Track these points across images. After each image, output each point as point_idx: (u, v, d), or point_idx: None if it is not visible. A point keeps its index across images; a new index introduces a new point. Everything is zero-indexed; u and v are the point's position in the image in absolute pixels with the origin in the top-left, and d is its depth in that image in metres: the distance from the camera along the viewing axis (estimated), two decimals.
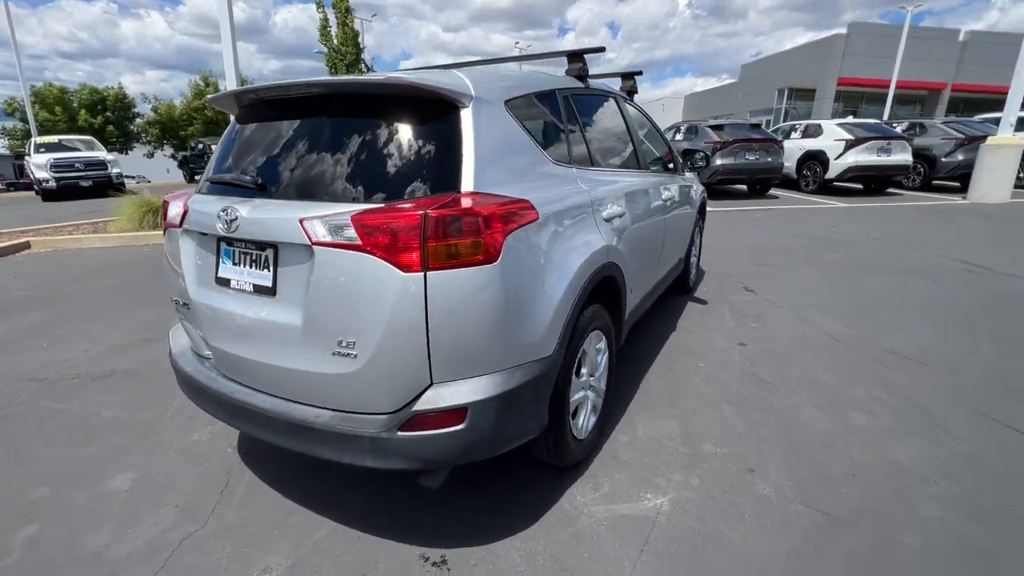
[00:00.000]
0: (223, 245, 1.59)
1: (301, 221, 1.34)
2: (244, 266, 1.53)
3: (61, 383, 2.72)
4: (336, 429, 1.38)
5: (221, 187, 1.65)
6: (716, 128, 9.98)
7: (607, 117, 2.46)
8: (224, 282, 1.58)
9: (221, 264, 1.59)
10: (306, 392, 1.46)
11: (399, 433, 1.33)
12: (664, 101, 50.26)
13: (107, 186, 13.49)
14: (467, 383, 1.36)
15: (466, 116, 1.42)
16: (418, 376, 1.34)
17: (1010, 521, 1.65)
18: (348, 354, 1.34)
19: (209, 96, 1.81)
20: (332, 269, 1.32)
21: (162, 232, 1.85)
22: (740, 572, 1.48)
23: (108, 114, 27.35)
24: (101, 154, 13.87)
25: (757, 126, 10.92)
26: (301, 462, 2.02)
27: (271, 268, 1.46)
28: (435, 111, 1.42)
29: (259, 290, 1.49)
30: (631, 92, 2.92)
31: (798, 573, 1.47)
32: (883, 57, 27.05)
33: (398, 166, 1.39)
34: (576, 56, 2.21)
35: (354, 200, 1.37)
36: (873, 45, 29.21)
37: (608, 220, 1.96)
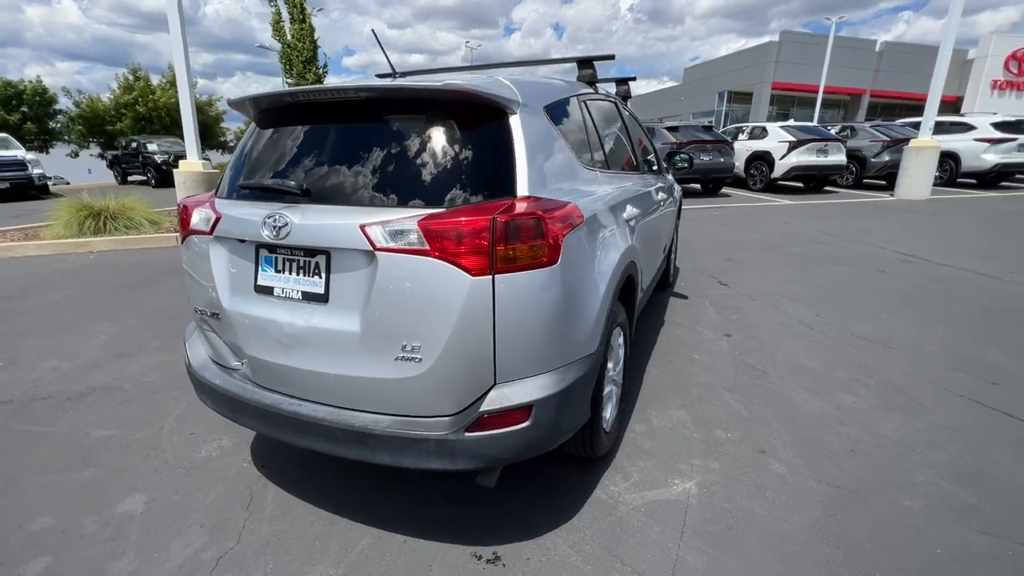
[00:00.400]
0: (263, 252, 1.53)
1: (362, 227, 1.33)
2: (290, 273, 1.49)
3: (35, 404, 2.50)
4: (399, 434, 1.37)
5: (254, 192, 1.59)
6: (672, 129, 10.41)
7: (614, 122, 2.56)
8: (265, 290, 1.53)
9: (261, 272, 1.54)
10: (364, 398, 1.44)
11: (466, 434, 1.35)
12: None
13: (28, 188, 12.37)
14: (530, 381, 1.40)
15: (515, 122, 1.45)
16: (483, 377, 1.36)
17: (988, 479, 1.87)
18: (412, 358, 1.34)
19: (231, 99, 1.73)
20: (396, 274, 1.32)
21: (179, 239, 1.75)
22: (776, 545, 1.60)
23: (25, 110, 24.91)
24: (19, 153, 12.64)
25: (709, 128, 11.49)
26: (325, 471, 1.98)
27: (323, 275, 1.44)
28: (486, 117, 1.44)
29: (309, 297, 1.46)
30: (626, 97, 3.04)
31: (827, 542, 1.61)
32: (811, 64, 29.10)
33: (453, 171, 1.40)
34: (587, 63, 2.29)
35: (411, 205, 1.36)
36: (802, 52, 31.32)
37: (627, 221, 2.05)
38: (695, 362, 2.91)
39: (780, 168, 11.04)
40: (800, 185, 12.28)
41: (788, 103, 33.87)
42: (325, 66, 9.98)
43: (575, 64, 2.41)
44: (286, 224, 1.42)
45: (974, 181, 12.42)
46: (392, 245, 1.31)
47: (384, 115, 1.49)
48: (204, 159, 7.70)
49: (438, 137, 1.42)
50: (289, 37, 10.31)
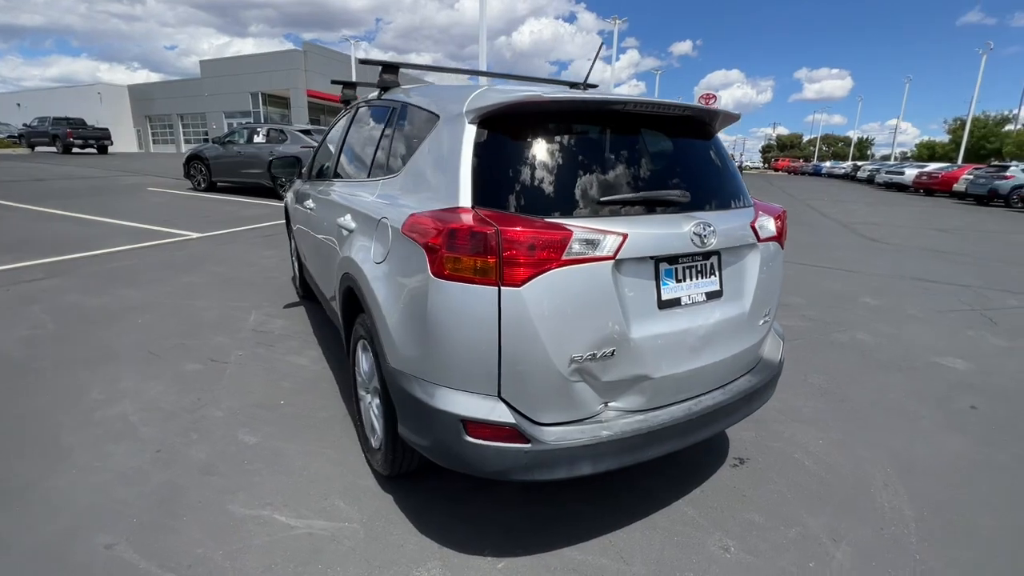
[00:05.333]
0: (663, 265, 1.54)
1: (752, 224, 1.71)
2: (690, 280, 1.59)
3: None
4: (767, 379, 1.82)
5: (613, 205, 1.51)
6: (307, 132, 10.18)
7: None
8: (670, 303, 1.55)
9: (663, 286, 1.54)
10: (740, 366, 1.77)
11: (765, 356, 1.94)
12: (99, 89, 40.36)
13: None
14: None
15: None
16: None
17: None
18: (766, 319, 1.82)
19: (515, 98, 1.43)
20: (766, 257, 1.78)
21: (516, 275, 1.32)
22: None
23: None
24: None
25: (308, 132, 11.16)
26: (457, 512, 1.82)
27: (717, 272, 1.65)
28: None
29: (711, 296, 1.63)
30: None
31: None
32: (338, 76, 32.48)
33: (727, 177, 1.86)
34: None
35: (735, 206, 1.79)
36: (326, 65, 34.44)
37: None
38: None
39: None
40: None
41: (320, 111, 36.39)
42: None
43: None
44: (713, 231, 1.57)
45: None
46: (764, 236, 1.76)
47: (693, 129, 1.79)
48: None
49: (719, 149, 1.88)
50: None
